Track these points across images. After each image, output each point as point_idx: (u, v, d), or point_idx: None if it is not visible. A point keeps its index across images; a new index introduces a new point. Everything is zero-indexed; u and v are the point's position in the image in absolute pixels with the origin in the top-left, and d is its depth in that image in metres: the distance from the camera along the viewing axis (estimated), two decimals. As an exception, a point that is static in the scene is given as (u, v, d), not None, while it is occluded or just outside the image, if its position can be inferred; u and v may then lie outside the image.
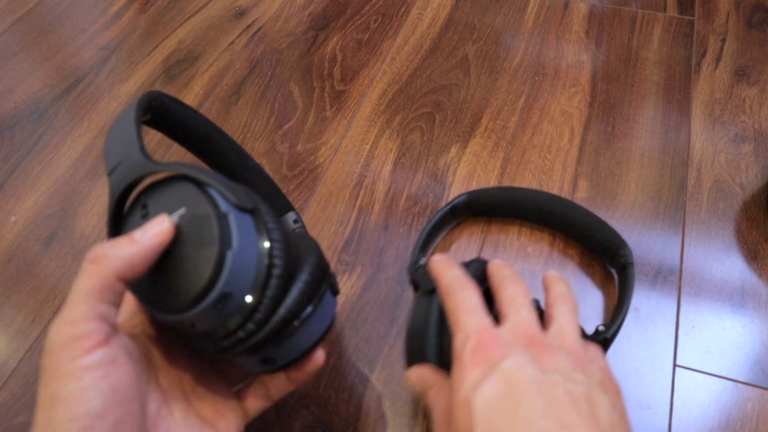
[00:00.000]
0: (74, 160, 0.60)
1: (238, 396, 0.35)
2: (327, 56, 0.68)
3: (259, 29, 0.72)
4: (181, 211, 0.28)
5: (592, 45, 0.67)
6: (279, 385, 0.34)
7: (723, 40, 0.67)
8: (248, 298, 0.28)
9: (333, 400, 0.43)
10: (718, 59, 0.65)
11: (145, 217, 0.29)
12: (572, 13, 0.71)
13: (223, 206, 0.28)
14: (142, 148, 0.29)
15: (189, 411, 0.32)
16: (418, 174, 0.56)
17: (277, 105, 0.63)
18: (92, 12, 0.75)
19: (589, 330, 0.41)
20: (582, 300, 0.47)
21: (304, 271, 0.31)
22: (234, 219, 0.28)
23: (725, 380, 0.43)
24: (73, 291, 0.26)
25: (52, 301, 0.50)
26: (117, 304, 0.27)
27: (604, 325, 0.40)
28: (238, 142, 0.60)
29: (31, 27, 0.74)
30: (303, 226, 0.45)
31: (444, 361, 0.35)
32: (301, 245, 0.33)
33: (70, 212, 0.56)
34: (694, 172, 0.55)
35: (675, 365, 0.44)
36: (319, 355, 0.34)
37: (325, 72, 0.66)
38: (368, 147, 0.59)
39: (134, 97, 0.65)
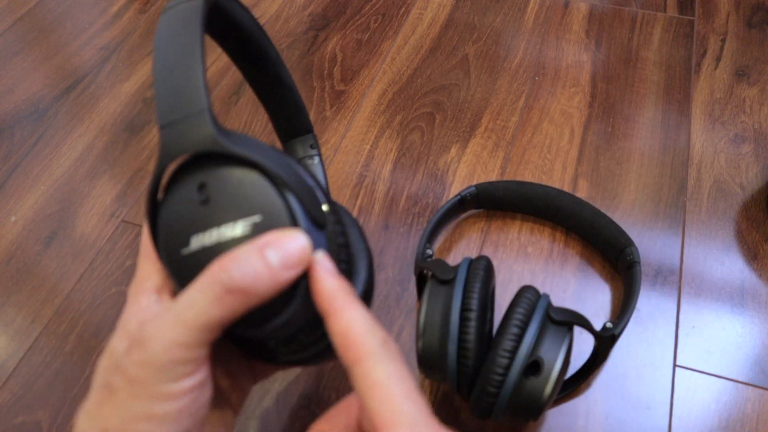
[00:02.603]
0: (74, 160, 0.60)
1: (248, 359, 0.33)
2: (327, 56, 0.68)
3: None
4: (256, 218, 0.24)
5: (592, 45, 0.67)
6: None
7: (723, 40, 0.67)
8: (311, 323, 0.26)
9: (333, 400, 0.43)
10: (718, 59, 0.65)
11: (206, 203, 0.25)
12: (572, 13, 0.71)
13: (303, 223, 0.24)
14: (210, 109, 0.25)
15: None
16: (418, 174, 0.56)
17: (277, 105, 0.63)
18: (92, 12, 0.75)
19: (597, 326, 0.41)
20: (585, 296, 0.47)
21: (360, 279, 0.29)
22: (312, 236, 0.25)
23: (725, 380, 0.43)
24: (193, 312, 0.23)
25: (52, 301, 0.50)
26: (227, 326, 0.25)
27: (611, 321, 0.40)
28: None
29: (31, 27, 0.74)
30: (319, 154, 0.42)
31: (464, 355, 0.36)
32: (354, 242, 0.30)
33: (70, 212, 0.56)
34: (694, 172, 0.55)
35: (675, 365, 0.44)
36: None
37: (325, 72, 0.66)
38: (368, 147, 0.59)
39: (134, 97, 0.65)
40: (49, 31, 0.74)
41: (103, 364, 0.26)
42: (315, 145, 0.41)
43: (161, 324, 0.24)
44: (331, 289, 0.24)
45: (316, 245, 0.25)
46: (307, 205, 0.25)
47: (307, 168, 0.33)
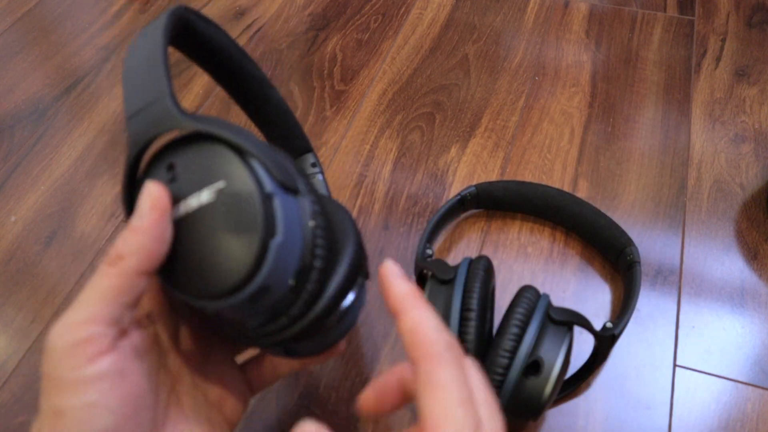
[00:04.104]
0: (74, 160, 0.60)
1: (244, 370, 0.33)
2: (327, 56, 0.68)
3: (259, 29, 0.72)
4: (220, 184, 0.24)
5: (592, 45, 0.67)
6: (289, 365, 0.33)
7: (723, 40, 0.67)
8: (286, 293, 0.25)
9: (333, 400, 0.43)
10: (718, 59, 0.65)
11: (174, 182, 0.25)
12: (572, 13, 0.71)
13: (268, 185, 0.24)
14: (172, 94, 0.25)
15: (197, 395, 0.30)
16: (418, 174, 0.56)
17: (277, 105, 0.63)
18: (92, 12, 0.75)
19: (597, 326, 0.41)
20: (585, 296, 0.47)
21: (344, 262, 0.27)
22: (280, 202, 0.24)
23: (725, 380, 0.43)
24: (85, 292, 0.24)
25: (52, 301, 0.50)
26: (134, 304, 0.25)
27: (611, 321, 0.40)
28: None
29: (31, 27, 0.74)
30: (321, 172, 0.41)
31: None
32: (337, 221, 0.29)
33: (70, 212, 0.56)
34: (694, 172, 0.55)
35: (675, 365, 0.44)
36: (341, 345, 0.32)
37: (325, 72, 0.66)
38: (368, 147, 0.59)
39: (134, 97, 0.65)
40: (49, 31, 0.74)
41: None
42: (316, 164, 0.41)
43: (64, 315, 0.24)
44: (401, 290, 0.25)
45: (285, 209, 0.25)
46: (272, 169, 0.25)
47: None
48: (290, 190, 0.25)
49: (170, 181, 0.25)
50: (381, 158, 0.58)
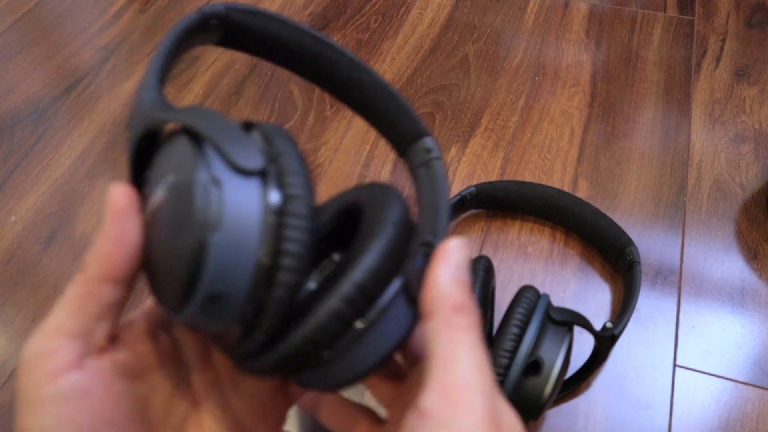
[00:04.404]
0: (74, 160, 0.60)
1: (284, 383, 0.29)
2: (327, 56, 0.68)
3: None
4: (170, 178, 0.21)
5: (592, 45, 0.67)
6: None
7: (723, 40, 0.67)
8: (245, 301, 0.21)
9: (333, 400, 0.43)
10: (718, 59, 0.65)
11: (150, 181, 0.23)
12: (572, 13, 0.71)
13: (217, 170, 0.20)
14: (155, 89, 0.23)
15: (225, 416, 0.26)
16: (418, 174, 0.56)
17: (277, 105, 0.63)
18: (92, 12, 0.75)
19: (597, 326, 0.41)
20: (585, 296, 0.47)
21: (358, 267, 0.21)
22: (228, 187, 0.20)
23: (725, 380, 0.43)
24: (57, 303, 0.22)
25: (52, 301, 0.50)
26: (105, 315, 0.22)
27: (611, 321, 0.40)
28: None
29: (31, 27, 0.74)
30: (440, 157, 0.33)
31: None
32: (367, 211, 0.24)
33: (70, 212, 0.56)
34: (694, 172, 0.55)
35: (675, 365, 0.44)
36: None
37: (325, 72, 0.66)
38: (368, 147, 0.59)
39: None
40: (49, 31, 0.74)
41: None
42: (432, 149, 0.33)
43: (39, 325, 0.22)
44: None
45: (237, 195, 0.20)
46: (224, 151, 0.20)
47: (423, 178, 0.29)
48: (249, 171, 0.20)
49: (149, 181, 0.23)
50: (381, 158, 0.58)
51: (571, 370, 0.43)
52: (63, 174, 0.59)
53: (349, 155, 0.58)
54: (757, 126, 0.58)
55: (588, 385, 0.43)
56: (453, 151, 0.58)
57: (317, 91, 0.64)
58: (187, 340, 0.26)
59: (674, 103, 0.61)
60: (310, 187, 0.21)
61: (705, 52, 0.66)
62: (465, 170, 0.56)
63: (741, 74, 0.63)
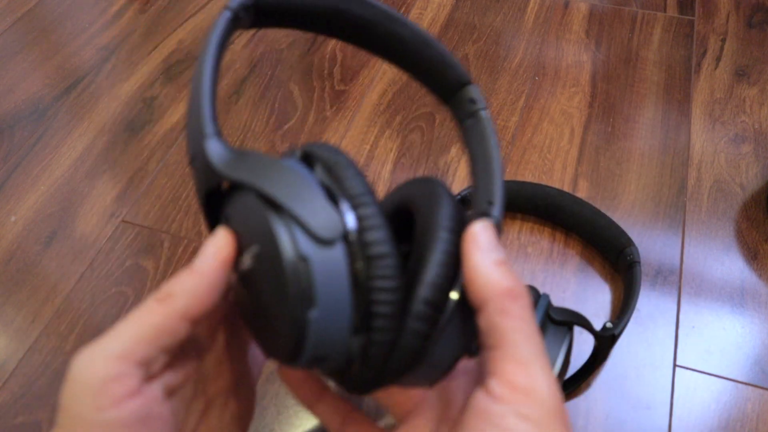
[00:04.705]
0: (74, 160, 0.60)
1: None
2: (327, 56, 0.68)
3: (259, 29, 0.72)
4: (255, 249, 0.22)
5: (592, 45, 0.67)
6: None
7: (723, 40, 0.67)
8: (347, 353, 0.22)
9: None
10: (718, 59, 0.65)
11: (235, 232, 0.24)
12: (572, 13, 0.71)
13: (302, 246, 0.21)
14: (214, 135, 0.23)
15: (224, 413, 0.28)
16: (418, 174, 0.56)
17: (277, 105, 0.63)
18: (92, 12, 0.75)
19: (597, 326, 0.41)
20: (585, 296, 0.47)
21: (424, 283, 0.22)
22: (316, 263, 0.21)
23: (725, 380, 0.43)
24: (124, 323, 0.22)
25: (52, 301, 0.50)
26: (170, 351, 0.23)
27: (611, 321, 0.40)
28: (238, 142, 0.60)
29: (31, 27, 0.74)
30: (484, 108, 0.31)
31: None
32: (422, 213, 0.25)
33: (70, 212, 0.56)
34: (694, 172, 0.55)
35: (675, 365, 0.44)
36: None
37: (325, 72, 0.66)
38: (368, 147, 0.59)
39: (134, 97, 0.65)
40: (49, 31, 0.74)
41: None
42: (476, 100, 0.31)
43: (94, 342, 0.22)
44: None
45: (324, 269, 0.21)
46: (306, 222, 0.21)
47: (472, 132, 0.28)
48: (329, 242, 0.21)
49: (232, 230, 0.24)
50: (381, 158, 0.58)
51: (571, 370, 0.43)
52: (63, 174, 0.59)
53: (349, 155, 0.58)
54: (757, 126, 0.58)
55: (588, 385, 0.43)
56: (453, 151, 0.58)
57: (317, 91, 0.64)
58: (210, 352, 0.27)
59: (674, 103, 0.61)
60: (385, 228, 0.22)
61: (705, 52, 0.66)
62: (465, 170, 0.56)
63: (741, 74, 0.63)
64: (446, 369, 0.24)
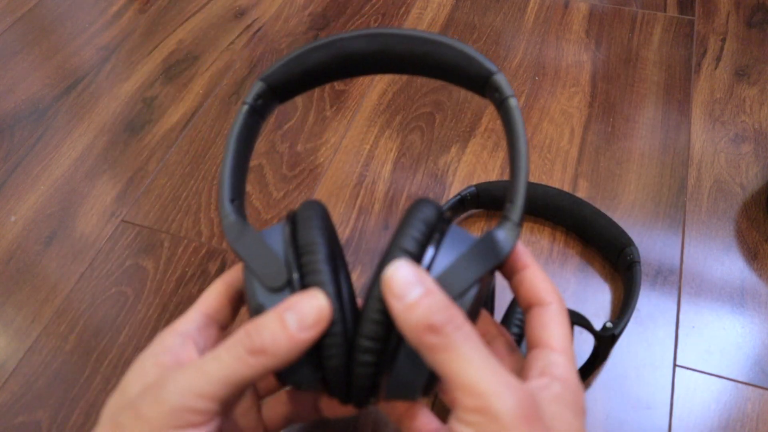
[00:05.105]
0: (74, 160, 0.60)
1: (262, 408, 0.33)
2: (327, 56, 0.68)
3: (259, 29, 0.72)
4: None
5: (592, 45, 0.67)
6: (307, 410, 0.33)
7: (723, 40, 0.67)
8: (314, 383, 0.27)
9: (333, 400, 0.43)
10: (718, 59, 0.65)
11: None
12: (572, 13, 0.71)
13: (259, 294, 0.26)
14: (229, 214, 0.28)
15: None
16: (418, 174, 0.56)
17: (277, 105, 0.63)
18: (92, 12, 0.75)
19: (597, 326, 0.41)
20: (585, 296, 0.47)
21: (364, 321, 0.26)
22: (268, 307, 0.26)
23: (725, 380, 0.43)
24: (215, 363, 0.25)
25: (52, 301, 0.50)
26: (245, 390, 0.27)
27: (612, 321, 0.40)
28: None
29: (31, 27, 0.74)
30: (511, 95, 0.30)
31: None
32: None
33: (70, 212, 0.56)
34: (694, 172, 0.55)
35: (675, 365, 0.44)
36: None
37: (325, 72, 0.66)
38: (368, 147, 0.59)
39: (134, 97, 0.65)
40: (49, 31, 0.74)
41: (114, 400, 0.27)
42: (501, 86, 0.30)
43: (184, 371, 0.25)
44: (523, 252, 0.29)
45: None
46: (259, 277, 0.26)
47: (504, 121, 0.29)
48: (277, 289, 0.26)
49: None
50: (381, 158, 0.58)
51: (571, 370, 0.43)
52: (63, 174, 0.59)
53: (349, 155, 0.58)
54: (757, 126, 0.58)
55: (588, 385, 0.43)
56: (453, 151, 0.58)
57: (317, 90, 0.64)
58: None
59: (674, 103, 0.61)
60: (324, 271, 0.26)
61: (705, 52, 0.66)
62: (465, 170, 0.56)
63: (741, 74, 0.63)
64: (421, 384, 0.26)
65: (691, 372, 0.44)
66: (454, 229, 0.27)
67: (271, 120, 0.62)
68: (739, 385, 0.43)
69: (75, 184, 0.58)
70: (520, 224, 0.27)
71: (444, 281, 0.25)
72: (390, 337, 0.25)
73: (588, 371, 0.42)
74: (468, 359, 0.23)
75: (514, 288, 0.28)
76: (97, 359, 0.46)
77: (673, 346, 0.45)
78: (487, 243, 0.26)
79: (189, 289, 0.50)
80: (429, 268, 0.25)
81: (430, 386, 0.26)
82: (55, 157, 0.60)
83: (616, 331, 0.40)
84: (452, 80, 0.32)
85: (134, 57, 0.70)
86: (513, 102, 0.29)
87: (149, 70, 0.68)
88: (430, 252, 0.26)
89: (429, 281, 0.24)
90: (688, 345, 0.45)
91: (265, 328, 0.25)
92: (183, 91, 0.65)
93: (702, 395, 0.43)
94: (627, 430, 0.41)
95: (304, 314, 0.25)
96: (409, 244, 0.25)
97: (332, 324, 0.25)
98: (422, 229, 0.26)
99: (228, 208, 0.29)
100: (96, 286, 0.50)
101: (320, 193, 0.55)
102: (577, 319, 0.38)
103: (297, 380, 0.26)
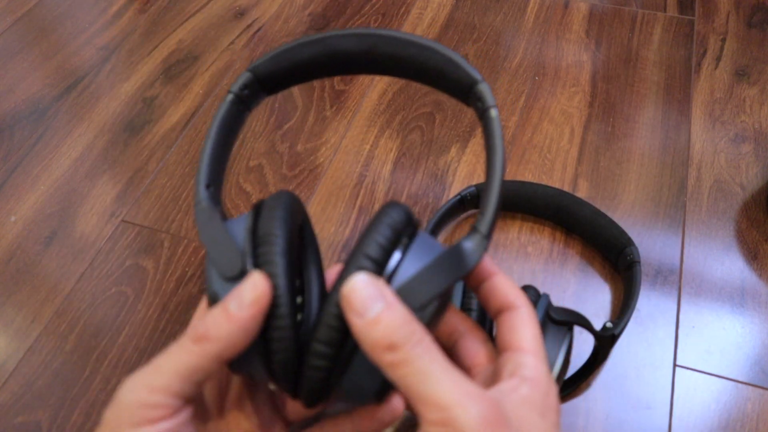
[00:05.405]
0: (74, 160, 0.60)
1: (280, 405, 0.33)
2: (327, 56, 0.68)
3: (259, 29, 0.72)
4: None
5: (592, 45, 0.67)
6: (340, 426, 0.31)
7: (723, 40, 0.67)
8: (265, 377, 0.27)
9: (333, 400, 0.43)
10: (718, 59, 0.65)
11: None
12: (572, 13, 0.71)
13: (215, 283, 0.26)
14: (204, 195, 0.28)
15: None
16: (418, 174, 0.56)
17: (277, 105, 0.63)
18: (92, 12, 0.75)
19: (597, 326, 0.41)
20: (585, 296, 0.47)
21: (320, 326, 0.25)
22: (221, 296, 0.26)
23: (725, 380, 0.43)
24: (165, 358, 0.25)
25: (52, 301, 0.50)
26: (204, 383, 0.27)
27: (612, 321, 0.40)
28: (239, 142, 0.60)
29: (31, 27, 0.74)
30: (491, 105, 0.30)
31: None
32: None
33: (70, 212, 0.56)
34: (694, 172, 0.55)
35: (675, 365, 0.44)
36: (396, 404, 0.28)
37: (325, 72, 0.66)
38: (368, 147, 0.59)
39: (134, 97, 0.65)
40: (49, 31, 0.74)
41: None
42: (483, 96, 0.30)
43: (139, 371, 0.25)
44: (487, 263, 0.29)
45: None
46: (216, 265, 0.26)
47: (484, 131, 0.29)
48: (232, 278, 0.26)
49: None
50: (381, 158, 0.58)
51: (571, 369, 0.43)
52: (63, 174, 0.59)
53: (349, 155, 0.58)
54: (757, 126, 0.58)
55: (588, 385, 0.43)
56: (453, 151, 0.58)
57: (317, 91, 0.64)
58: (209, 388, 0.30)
59: (674, 103, 0.61)
60: (280, 262, 0.26)
61: (705, 52, 0.66)
62: (465, 170, 0.56)
63: (741, 74, 0.63)
64: (373, 391, 0.26)
65: (691, 372, 0.44)
66: (422, 237, 0.27)
67: (271, 120, 0.62)
68: (739, 385, 0.43)
69: (75, 184, 0.58)
70: (488, 236, 0.26)
71: (405, 292, 0.24)
72: (345, 342, 0.25)
73: (588, 371, 0.42)
74: (428, 373, 0.23)
75: (483, 297, 0.28)
76: (97, 359, 0.46)
77: (673, 346, 0.45)
78: (454, 254, 0.25)
79: (189, 289, 0.50)
80: (392, 275, 0.25)
81: (383, 393, 0.26)
82: (55, 157, 0.60)
83: (616, 331, 0.40)
84: (437, 86, 0.32)
85: (134, 57, 0.70)
86: (494, 113, 0.28)
87: (149, 70, 0.68)
88: (394, 259, 0.25)
89: (389, 294, 0.24)
90: (688, 345, 0.45)
91: (209, 315, 0.25)
92: (183, 91, 0.65)
93: (702, 395, 0.43)
94: (627, 430, 0.41)
95: (242, 295, 0.25)
96: (374, 250, 0.25)
97: (278, 307, 0.25)
98: (389, 235, 0.25)
99: (202, 194, 0.28)
100: (96, 286, 0.50)
101: (320, 193, 0.55)
102: (577, 319, 0.38)
103: (247, 370, 0.26)
